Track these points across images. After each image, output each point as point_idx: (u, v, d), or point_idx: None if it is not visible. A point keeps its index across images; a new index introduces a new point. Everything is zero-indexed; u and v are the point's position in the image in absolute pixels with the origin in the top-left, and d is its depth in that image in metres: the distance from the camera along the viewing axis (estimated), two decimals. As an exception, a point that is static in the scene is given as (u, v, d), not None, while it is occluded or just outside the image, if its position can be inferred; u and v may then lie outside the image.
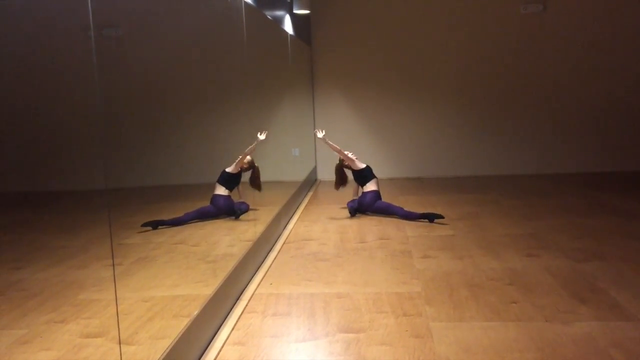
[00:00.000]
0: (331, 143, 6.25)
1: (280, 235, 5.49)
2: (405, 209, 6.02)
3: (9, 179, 3.71)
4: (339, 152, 6.29)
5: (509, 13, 8.51)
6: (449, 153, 8.90)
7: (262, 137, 5.22)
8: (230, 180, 5.11)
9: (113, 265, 2.41)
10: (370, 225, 5.81)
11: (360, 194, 6.32)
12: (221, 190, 5.01)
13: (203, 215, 4.64)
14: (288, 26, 7.11)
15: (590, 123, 8.65)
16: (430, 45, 8.72)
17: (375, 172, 6.33)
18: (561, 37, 8.50)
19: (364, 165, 6.29)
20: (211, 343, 3.14)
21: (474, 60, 8.68)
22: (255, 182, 5.32)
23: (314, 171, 8.86)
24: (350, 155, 6.32)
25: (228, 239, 4.54)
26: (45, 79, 3.45)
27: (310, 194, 7.82)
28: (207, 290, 3.33)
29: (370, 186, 6.21)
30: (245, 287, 4.02)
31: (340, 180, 6.49)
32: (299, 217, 6.30)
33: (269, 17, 5.92)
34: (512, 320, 3.28)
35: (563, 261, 4.34)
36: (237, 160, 5.08)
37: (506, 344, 2.99)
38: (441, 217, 5.73)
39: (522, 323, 3.24)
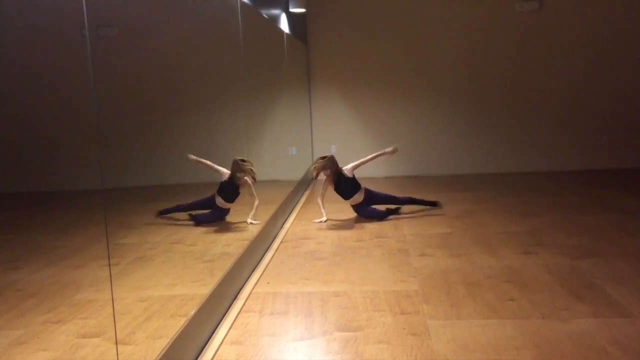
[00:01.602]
0: (321, 204, 6.03)
1: (277, 234, 5.49)
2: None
3: (3, 179, 3.69)
4: (322, 195, 6.07)
5: (505, 11, 8.52)
6: (446, 151, 8.90)
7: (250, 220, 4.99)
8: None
9: (109, 265, 2.40)
10: (368, 223, 5.81)
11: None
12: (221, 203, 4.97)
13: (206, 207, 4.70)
14: (284, 25, 7.11)
15: (588, 120, 8.66)
16: (426, 43, 8.72)
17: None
18: (557, 35, 8.51)
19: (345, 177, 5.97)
20: (208, 342, 3.13)
21: (470, 58, 8.68)
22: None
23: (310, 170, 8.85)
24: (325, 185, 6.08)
25: (225, 238, 4.54)
26: (39, 78, 3.43)
27: (307, 192, 7.81)
28: (204, 289, 3.33)
29: (357, 198, 6.00)
30: (243, 286, 4.02)
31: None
32: (296, 216, 6.30)
33: (265, 15, 5.91)
34: (510, 318, 3.28)
35: (560, 258, 4.35)
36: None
37: (503, 341, 2.99)
38: (435, 204, 6.14)
39: (519, 320, 3.24)
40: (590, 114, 8.65)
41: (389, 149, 6.13)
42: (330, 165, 5.94)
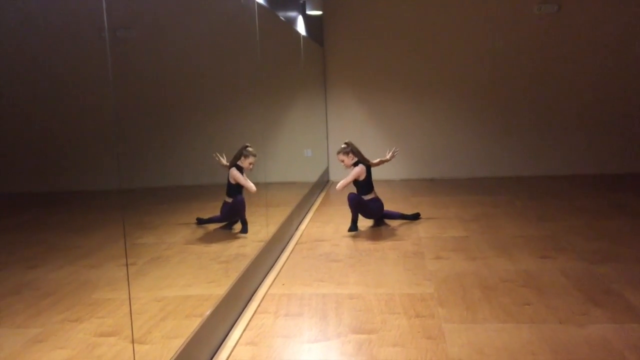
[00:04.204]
0: (343, 182, 5.71)
1: (292, 235, 5.50)
2: (402, 211, 6.09)
3: (23, 179, 3.75)
4: (343, 186, 5.71)
5: (524, 13, 8.45)
6: (463, 154, 8.85)
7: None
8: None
9: (127, 264, 2.42)
10: (383, 226, 5.80)
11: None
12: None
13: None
14: (301, 27, 7.12)
15: (607, 123, 8.56)
16: (444, 45, 8.68)
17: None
18: (576, 37, 8.43)
19: (364, 175, 5.70)
20: (223, 343, 3.15)
21: (488, 60, 8.62)
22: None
23: (326, 172, 8.86)
24: (351, 177, 5.68)
25: (240, 240, 4.55)
26: (59, 80, 3.48)
27: (322, 194, 7.81)
28: (220, 290, 3.34)
29: (370, 196, 5.76)
30: (258, 287, 4.03)
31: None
32: (311, 218, 6.31)
33: (281, 18, 5.93)
34: (526, 322, 3.25)
35: (578, 263, 4.31)
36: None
37: (520, 345, 2.97)
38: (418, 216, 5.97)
39: (535, 325, 3.22)
40: (609, 118, 8.54)
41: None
42: (351, 149, 5.74)
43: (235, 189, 4.70)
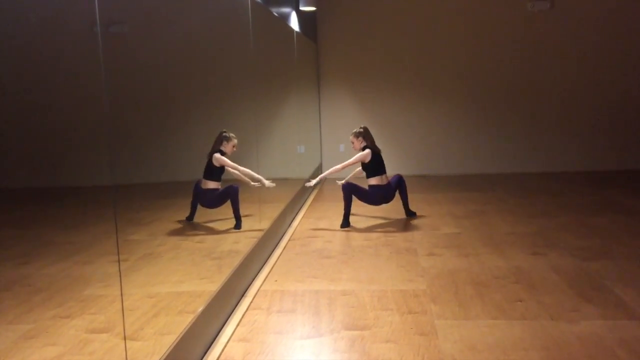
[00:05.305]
0: (327, 172, 5.89)
1: (285, 232, 5.50)
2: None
3: (15, 175, 3.72)
4: (342, 167, 5.81)
5: (516, 11, 8.48)
6: (455, 151, 8.88)
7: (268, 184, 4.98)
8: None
9: (119, 261, 2.41)
10: (376, 222, 5.81)
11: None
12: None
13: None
14: (294, 23, 7.11)
15: (598, 121, 8.61)
16: (436, 43, 8.70)
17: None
18: (569, 35, 8.47)
19: (369, 158, 5.74)
20: (216, 339, 3.14)
21: (481, 57, 8.65)
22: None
23: (319, 168, 8.86)
24: (354, 159, 5.77)
25: (233, 236, 4.54)
26: (51, 76, 3.45)
27: (315, 191, 7.81)
28: (212, 286, 3.34)
29: (373, 181, 5.79)
30: (250, 283, 4.03)
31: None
32: (304, 214, 6.31)
33: (275, 13, 5.91)
34: (518, 319, 3.27)
35: (569, 260, 4.33)
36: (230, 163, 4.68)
37: (511, 342, 2.98)
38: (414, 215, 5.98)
39: (527, 321, 3.23)
40: (600, 115, 8.59)
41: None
42: (363, 134, 5.82)
43: (219, 173, 4.59)
